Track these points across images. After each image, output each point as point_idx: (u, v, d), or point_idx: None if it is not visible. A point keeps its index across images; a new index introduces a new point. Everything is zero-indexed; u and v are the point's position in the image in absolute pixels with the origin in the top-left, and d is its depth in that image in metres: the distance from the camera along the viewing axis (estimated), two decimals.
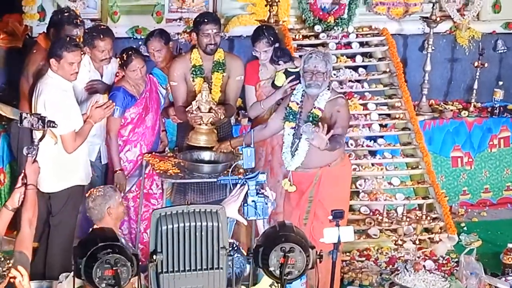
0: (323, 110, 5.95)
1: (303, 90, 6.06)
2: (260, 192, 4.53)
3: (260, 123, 6.55)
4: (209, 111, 6.32)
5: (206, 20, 6.48)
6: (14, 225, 4.81)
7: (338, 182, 6.12)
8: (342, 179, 6.18)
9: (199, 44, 6.57)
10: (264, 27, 6.88)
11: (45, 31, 6.77)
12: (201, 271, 3.87)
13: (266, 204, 4.53)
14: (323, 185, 6.07)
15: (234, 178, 4.82)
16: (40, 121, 4.88)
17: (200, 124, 6.36)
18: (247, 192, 4.53)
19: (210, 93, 6.49)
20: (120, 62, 6.57)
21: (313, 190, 6.09)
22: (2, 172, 7.26)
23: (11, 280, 4.04)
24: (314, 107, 5.97)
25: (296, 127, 6.04)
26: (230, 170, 5.25)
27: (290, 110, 6.07)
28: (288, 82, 6.37)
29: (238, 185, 4.62)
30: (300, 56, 7.22)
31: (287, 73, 6.43)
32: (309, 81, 5.95)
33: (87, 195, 5.53)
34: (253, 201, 4.50)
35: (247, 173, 4.77)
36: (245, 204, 4.52)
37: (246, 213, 4.48)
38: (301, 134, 5.93)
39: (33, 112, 5.82)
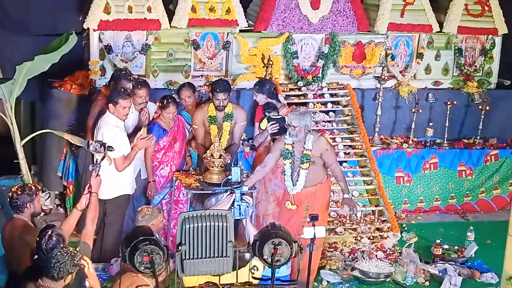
0: (311, 150, 5.83)
1: None
2: (243, 199, 4.57)
3: (261, 154, 6.51)
4: (219, 157, 6.25)
5: (218, 90, 6.46)
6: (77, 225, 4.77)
7: (325, 194, 6.02)
8: (327, 191, 6.07)
9: (212, 101, 6.53)
10: (260, 80, 6.94)
11: (107, 83, 6.75)
12: (214, 258, 3.84)
13: (248, 207, 4.55)
14: (317, 197, 5.95)
15: (225, 188, 4.87)
16: (102, 146, 4.88)
17: (213, 167, 6.27)
18: (234, 199, 4.55)
19: (220, 138, 6.44)
20: (159, 105, 6.55)
21: (309, 201, 5.94)
22: (71, 185, 7.19)
23: (82, 266, 4.02)
24: (305, 149, 5.84)
25: (292, 162, 5.91)
26: (222, 183, 5.40)
27: (287, 150, 5.91)
28: (271, 125, 6.29)
29: (227, 193, 4.66)
30: (288, 104, 7.27)
31: (270, 119, 6.37)
32: (288, 131, 5.87)
33: (139, 210, 5.26)
34: (238, 205, 4.55)
35: (234, 185, 4.84)
36: (232, 207, 4.54)
37: (233, 213, 4.49)
38: (298, 172, 5.83)
39: None
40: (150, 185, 6.48)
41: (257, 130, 6.85)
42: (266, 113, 6.53)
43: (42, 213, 7.10)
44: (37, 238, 4.15)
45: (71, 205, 7.10)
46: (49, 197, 7.56)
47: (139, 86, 6.42)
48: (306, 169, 5.83)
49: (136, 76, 6.80)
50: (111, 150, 5.05)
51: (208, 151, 6.28)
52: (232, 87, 7.46)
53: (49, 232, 4.14)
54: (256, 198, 6.65)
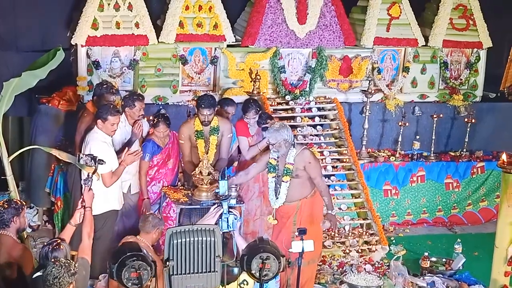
0: (293, 164, 5.82)
1: None
2: (230, 211, 4.57)
3: (246, 164, 6.48)
4: (208, 175, 6.21)
5: (203, 106, 6.45)
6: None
7: (312, 208, 5.97)
8: (316, 206, 6.01)
9: (198, 116, 6.52)
10: (251, 100, 6.83)
11: (92, 99, 6.74)
12: (202, 273, 3.83)
13: (235, 219, 4.56)
14: (303, 211, 5.92)
15: (213, 202, 4.87)
16: (92, 160, 4.88)
17: (202, 184, 6.24)
18: (221, 212, 4.57)
19: (208, 152, 6.41)
20: (152, 123, 6.56)
21: (296, 216, 5.91)
22: (60, 200, 7.15)
23: None
24: (286, 163, 5.84)
25: (276, 176, 5.90)
26: (209, 195, 5.36)
27: (271, 165, 5.91)
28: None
29: (215, 206, 4.71)
30: (278, 118, 7.29)
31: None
32: (270, 148, 5.86)
33: (148, 214, 5.55)
34: (226, 217, 4.54)
35: (222, 198, 4.80)
36: (220, 219, 4.57)
37: (220, 226, 4.49)
38: (280, 184, 5.82)
39: None
40: (144, 202, 6.44)
41: (246, 145, 6.76)
42: (262, 125, 6.51)
43: (30, 229, 7.06)
44: (44, 243, 4.24)
45: (59, 221, 7.06)
46: (37, 213, 7.51)
47: (140, 97, 6.46)
48: (287, 182, 5.82)
49: (117, 88, 6.76)
50: (102, 164, 5.04)
51: (196, 169, 6.25)
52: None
53: (59, 241, 4.25)
54: (254, 215, 6.63)
